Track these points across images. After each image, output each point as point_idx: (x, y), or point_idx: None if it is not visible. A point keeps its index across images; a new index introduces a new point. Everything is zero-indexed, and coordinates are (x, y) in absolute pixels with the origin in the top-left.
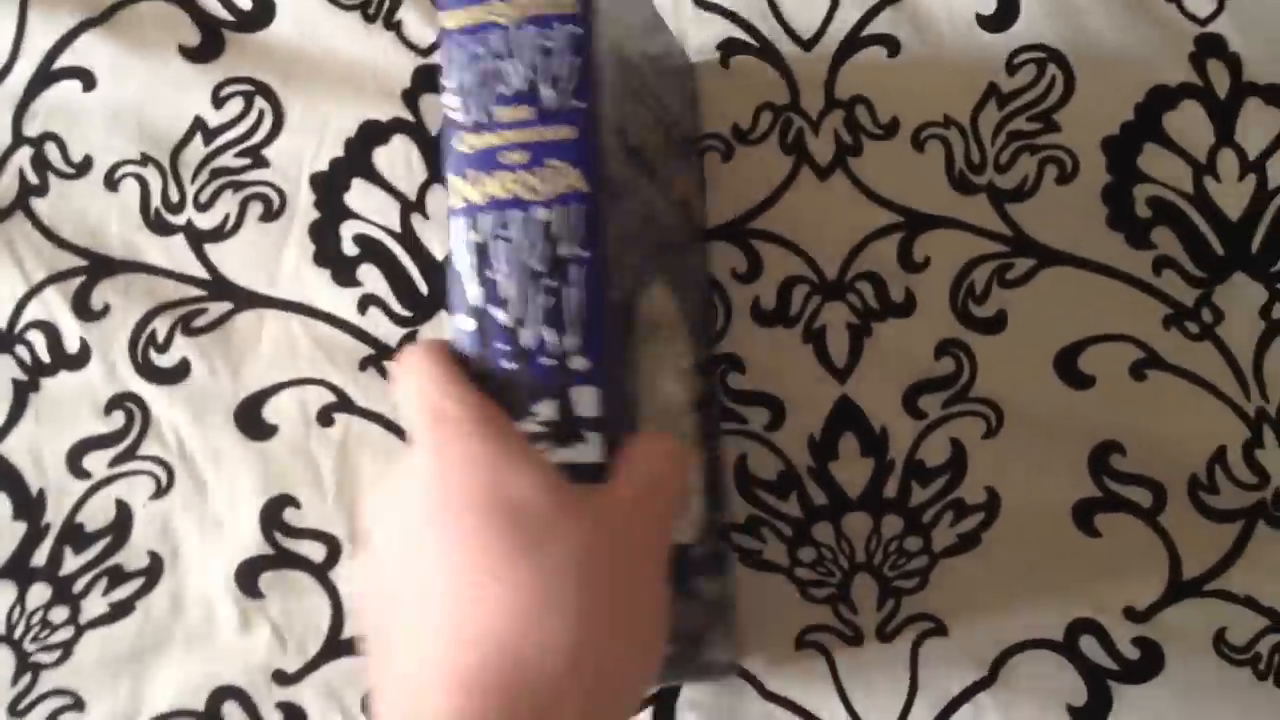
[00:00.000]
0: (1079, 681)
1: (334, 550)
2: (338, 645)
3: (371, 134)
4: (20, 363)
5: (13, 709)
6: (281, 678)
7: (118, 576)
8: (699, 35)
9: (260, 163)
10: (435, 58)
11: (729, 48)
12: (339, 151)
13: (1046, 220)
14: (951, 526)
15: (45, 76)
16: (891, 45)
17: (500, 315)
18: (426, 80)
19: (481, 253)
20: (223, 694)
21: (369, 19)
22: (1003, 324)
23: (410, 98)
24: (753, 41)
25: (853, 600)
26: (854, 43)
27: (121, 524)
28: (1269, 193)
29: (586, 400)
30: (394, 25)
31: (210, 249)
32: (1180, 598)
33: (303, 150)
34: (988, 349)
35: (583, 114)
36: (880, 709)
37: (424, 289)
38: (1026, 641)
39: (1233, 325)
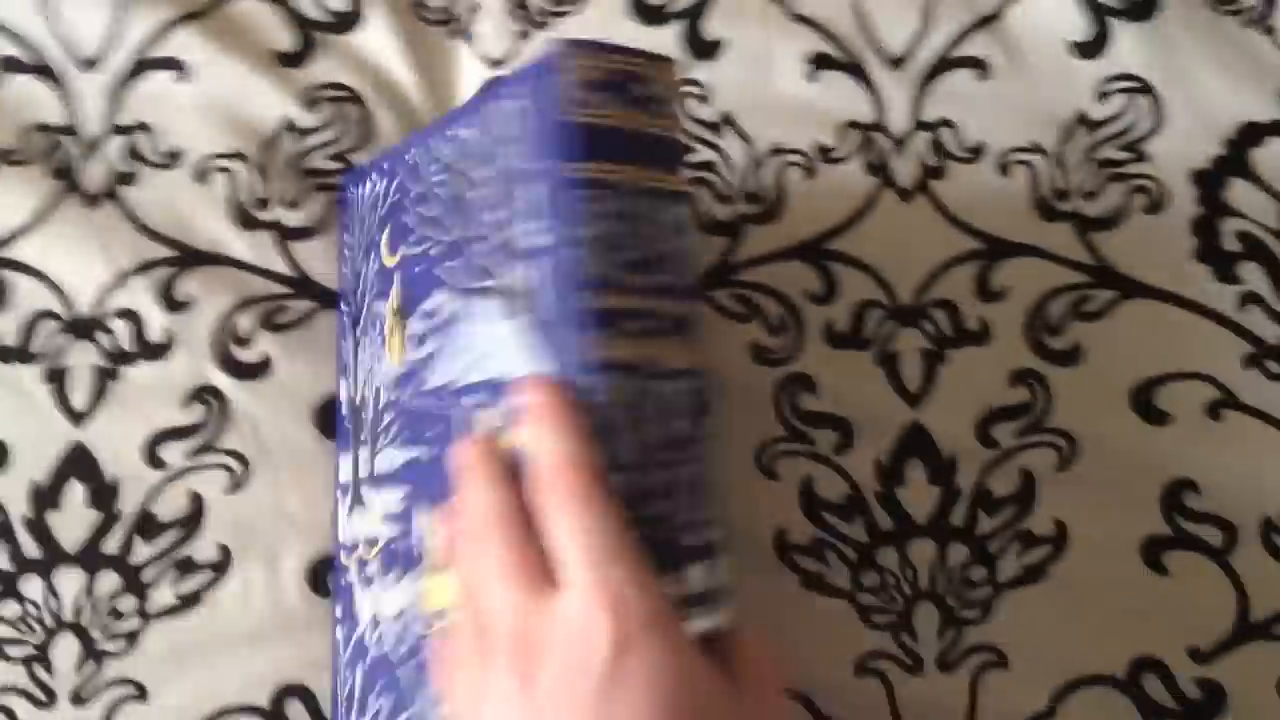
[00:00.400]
0: None
1: None
2: None
3: None
4: (102, 350)
5: (76, 696)
6: None
7: (187, 568)
8: (787, 46)
9: (349, 166)
10: (504, 69)
11: (818, 62)
12: None
13: (1133, 249)
14: (1018, 558)
15: (139, 66)
16: (980, 68)
17: (626, 482)
18: None
19: (607, 416)
20: (287, 691)
21: (452, 34)
22: (1079, 357)
23: None
24: (842, 57)
25: (914, 628)
26: (943, 64)
27: (194, 516)
28: None
29: (711, 572)
30: (465, 34)
31: (295, 247)
32: (1247, 640)
33: None
34: (1063, 381)
35: (691, 293)
36: None
37: None
38: (1088, 677)
39: None
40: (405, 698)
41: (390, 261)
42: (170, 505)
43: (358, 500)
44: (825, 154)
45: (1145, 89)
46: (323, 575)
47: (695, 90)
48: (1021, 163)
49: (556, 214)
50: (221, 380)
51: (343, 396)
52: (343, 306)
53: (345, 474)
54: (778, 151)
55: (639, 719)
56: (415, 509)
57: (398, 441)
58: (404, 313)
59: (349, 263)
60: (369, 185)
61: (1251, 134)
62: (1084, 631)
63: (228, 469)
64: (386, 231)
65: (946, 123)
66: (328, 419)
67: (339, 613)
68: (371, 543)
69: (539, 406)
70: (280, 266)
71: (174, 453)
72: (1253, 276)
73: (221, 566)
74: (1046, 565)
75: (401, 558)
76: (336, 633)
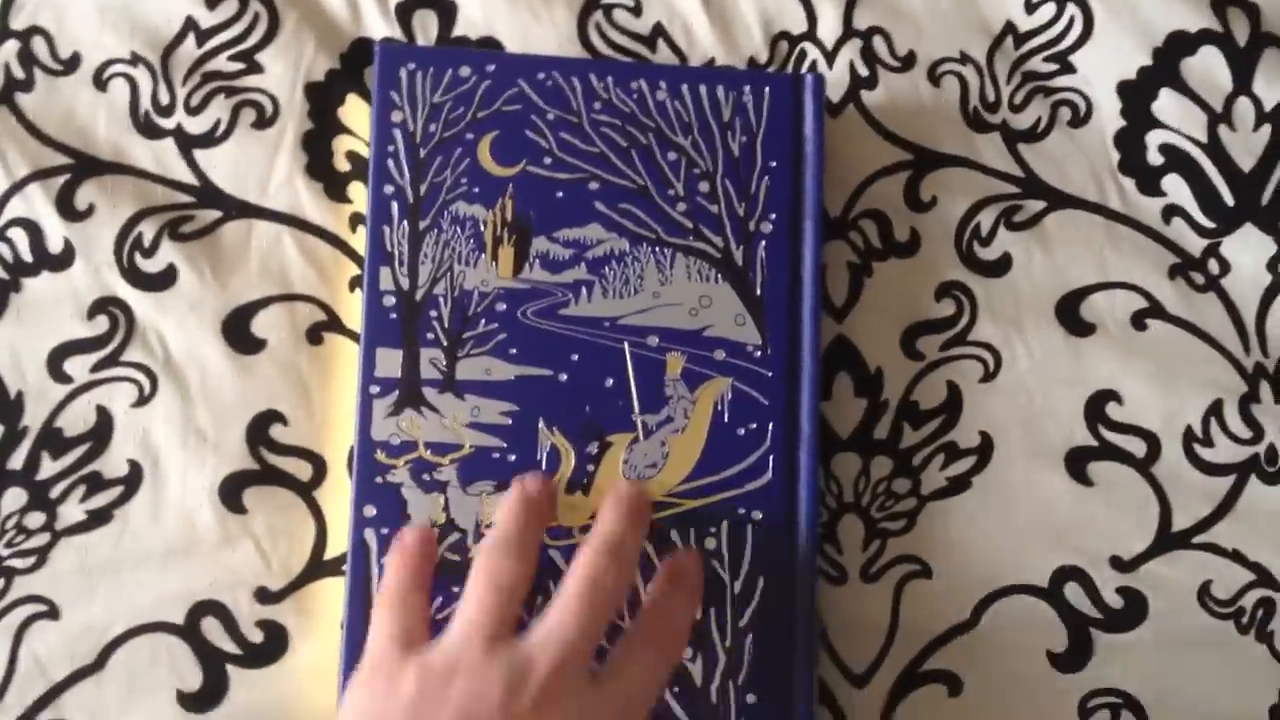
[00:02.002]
0: (1061, 628)
1: (320, 470)
2: (321, 565)
3: (361, 54)
4: (1, 261)
5: None
6: (264, 595)
7: (96, 484)
8: None
9: (254, 68)
10: None
11: None
12: (336, 64)
13: (1057, 163)
14: (942, 470)
15: None
16: None
17: None
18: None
19: None
20: (202, 608)
21: None
22: (1007, 267)
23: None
24: None
25: (839, 540)
26: None
27: (101, 431)
28: None
29: None
30: None
31: (200, 154)
32: (1168, 549)
33: (299, 58)
34: (989, 292)
35: None
36: (859, 648)
37: None
38: (1011, 587)
39: (1239, 277)
40: None
41: (499, 170)
42: (76, 420)
43: (414, 401)
44: (757, 68)
45: None
46: (236, 492)
47: (626, 3)
48: (952, 73)
49: (785, 208)
50: (126, 291)
51: (385, 286)
52: (386, 189)
53: (386, 369)
54: (709, 65)
55: None
56: (528, 427)
57: (503, 354)
58: (524, 229)
59: (397, 144)
60: (448, 74)
61: (1181, 42)
62: (1007, 542)
63: (134, 383)
64: (491, 138)
65: (878, 30)
66: (237, 332)
67: (371, 512)
68: (444, 448)
69: (513, 498)
70: (184, 175)
71: (78, 366)
72: (1175, 188)
73: (131, 482)
74: (970, 477)
75: (503, 469)
76: (364, 532)
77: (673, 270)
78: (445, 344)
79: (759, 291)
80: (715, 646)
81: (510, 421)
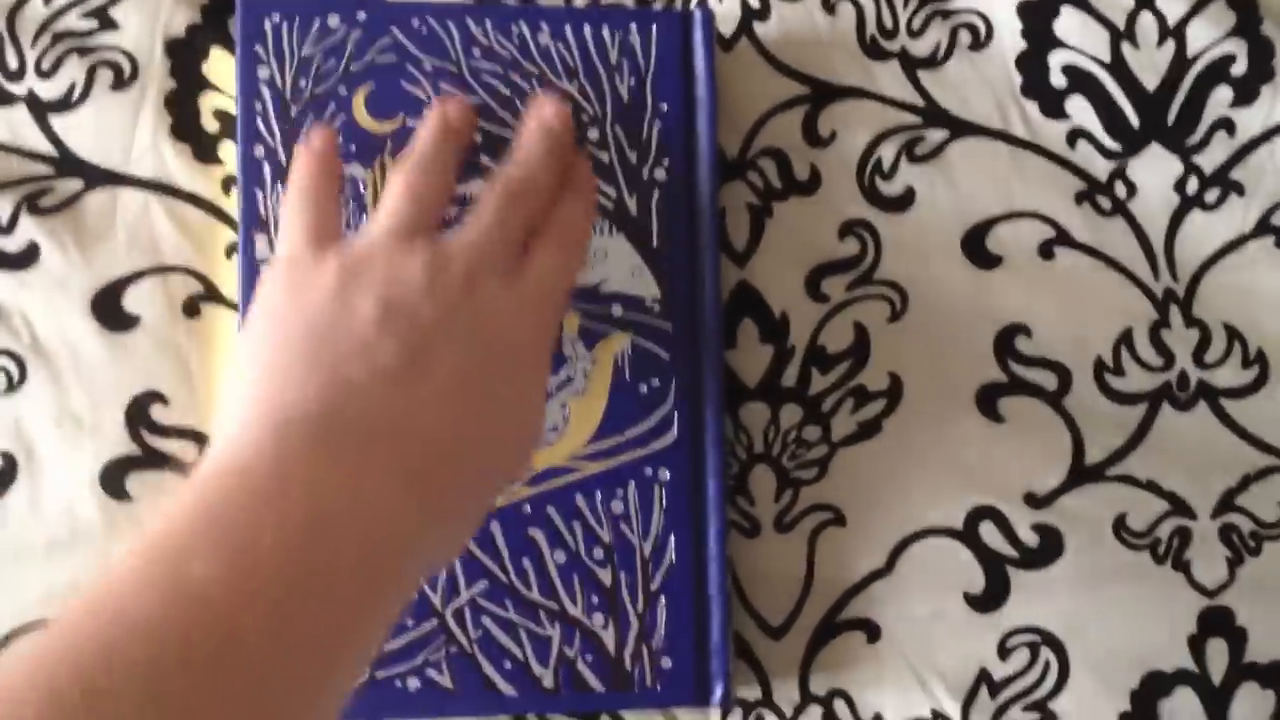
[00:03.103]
0: (977, 569)
1: (206, 450)
2: None
3: (224, 4)
4: None
5: None
6: None
7: None
8: None
9: (108, 24)
10: None
11: None
12: (197, 17)
13: (959, 90)
14: (852, 414)
15: None
16: None
17: None
18: None
19: None
20: None
21: None
22: (910, 201)
23: None
24: None
25: (750, 492)
26: None
27: None
28: (1187, 60)
29: None
30: None
31: (55, 121)
32: (1082, 483)
33: (156, 11)
34: (894, 229)
35: None
36: (775, 601)
37: None
38: (925, 530)
39: (1146, 200)
40: None
41: (376, 126)
42: None
43: None
44: (643, 4)
45: None
46: (119, 478)
47: None
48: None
49: (679, 152)
50: None
51: (262, 254)
52: (256, 151)
53: None
54: (595, 3)
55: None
56: None
57: None
58: None
59: (265, 102)
60: (315, 25)
61: None
62: (921, 485)
63: (2, 370)
64: (366, 92)
65: None
66: (108, 310)
67: None
68: None
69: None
70: (39, 144)
71: None
72: (1079, 110)
73: (5, 476)
74: (881, 420)
75: None
76: None
77: None
78: None
79: (655, 242)
80: (627, 612)
81: None
